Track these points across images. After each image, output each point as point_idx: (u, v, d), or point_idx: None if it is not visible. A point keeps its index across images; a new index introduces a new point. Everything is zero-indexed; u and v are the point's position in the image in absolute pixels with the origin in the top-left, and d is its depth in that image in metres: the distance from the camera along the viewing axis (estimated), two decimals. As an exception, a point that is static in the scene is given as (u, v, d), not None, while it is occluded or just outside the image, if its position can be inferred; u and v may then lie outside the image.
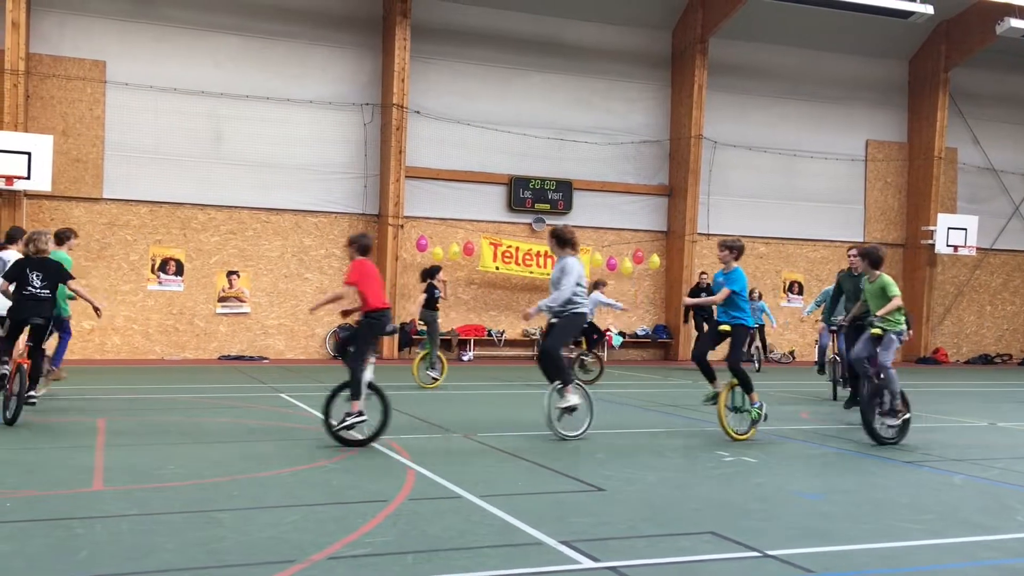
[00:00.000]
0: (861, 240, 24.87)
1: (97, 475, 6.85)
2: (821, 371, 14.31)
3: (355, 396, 8.21)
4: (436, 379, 14.21)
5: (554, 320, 9.18)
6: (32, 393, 9.47)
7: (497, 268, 21.50)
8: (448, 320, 21.73)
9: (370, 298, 8.45)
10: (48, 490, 6.32)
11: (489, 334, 21.79)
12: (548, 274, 21.82)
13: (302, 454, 7.90)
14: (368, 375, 8.26)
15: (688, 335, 22.86)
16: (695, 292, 16.37)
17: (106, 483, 6.58)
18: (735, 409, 9.15)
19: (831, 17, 22.57)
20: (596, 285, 16.06)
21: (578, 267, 9.12)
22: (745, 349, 13.52)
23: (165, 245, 19.75)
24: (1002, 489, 6.99)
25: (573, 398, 8.90)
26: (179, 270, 19.78)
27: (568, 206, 22.30)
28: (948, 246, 24.29)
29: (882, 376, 8.90)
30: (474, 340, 21.65)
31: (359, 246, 8.80)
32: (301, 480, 6.80)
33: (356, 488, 6.53)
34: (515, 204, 21.91)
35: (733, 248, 9.25)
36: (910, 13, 20.76)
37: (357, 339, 8.53)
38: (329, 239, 20.86)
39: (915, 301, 24.59)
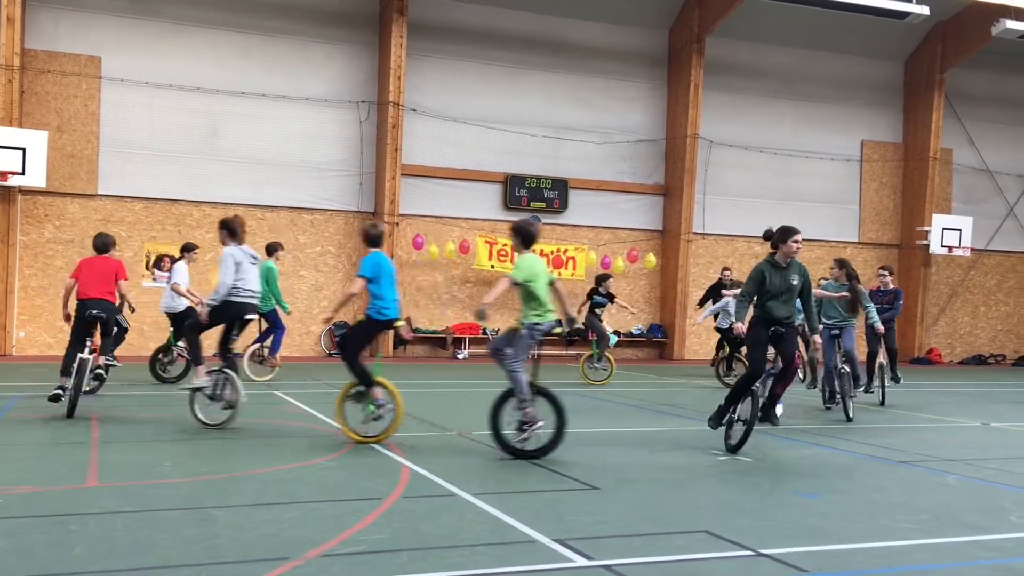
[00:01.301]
0: (856, 240, 24.94)
1: (92, 472, 6.84)
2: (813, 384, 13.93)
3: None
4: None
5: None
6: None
7: (492, 266, 21.50)
8: (443, 318, 21.75)
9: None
10: (43, 487, 6.31)
11: (484, 332, 21.78)
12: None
13: (297, 451, 7.90)
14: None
15: (682, 333, 22.89)
16: (716, 289, 16.19)
17: (101, 480, 6.57)
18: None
19: (827, 17, 22.60)
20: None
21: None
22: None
23: (160, 242, 19.70)
24: (996, 489, 7.01)
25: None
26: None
27: (564, 205, 22.31)
28: (943, 247, 24.35)
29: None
30: (469, 339, 21.64)
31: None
32: (296, 477, 6.80)
33: (351, 486, 6.53)
34: (511, 202, 21.90)
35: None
36: (906, 14, 20.81)
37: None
38: (324, 236, 20.83)
39: (909, 301, 24.63)
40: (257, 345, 14.19)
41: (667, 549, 5.01)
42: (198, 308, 9.68)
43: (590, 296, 15.52)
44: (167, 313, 13.19)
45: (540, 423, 7.62)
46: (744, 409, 8.23)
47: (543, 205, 22.14)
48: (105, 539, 4.98)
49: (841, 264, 11.90)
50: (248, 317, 9.32)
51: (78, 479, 6.58)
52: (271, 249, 14.20)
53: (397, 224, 20.68)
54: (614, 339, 22.27)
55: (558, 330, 8.06)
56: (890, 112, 25.42)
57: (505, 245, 21.65)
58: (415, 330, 21.32)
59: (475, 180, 21.81)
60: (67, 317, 10.13)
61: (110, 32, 19.36)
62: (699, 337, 23.23)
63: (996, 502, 6.50)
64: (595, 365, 15.29)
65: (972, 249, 24.90)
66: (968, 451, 8.96)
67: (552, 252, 21.94)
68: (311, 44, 20.67)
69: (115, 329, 10.89)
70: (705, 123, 22.93)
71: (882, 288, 13.82)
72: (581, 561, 4.71)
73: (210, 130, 19.97)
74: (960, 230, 24.51)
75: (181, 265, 13.09)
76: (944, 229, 24.37)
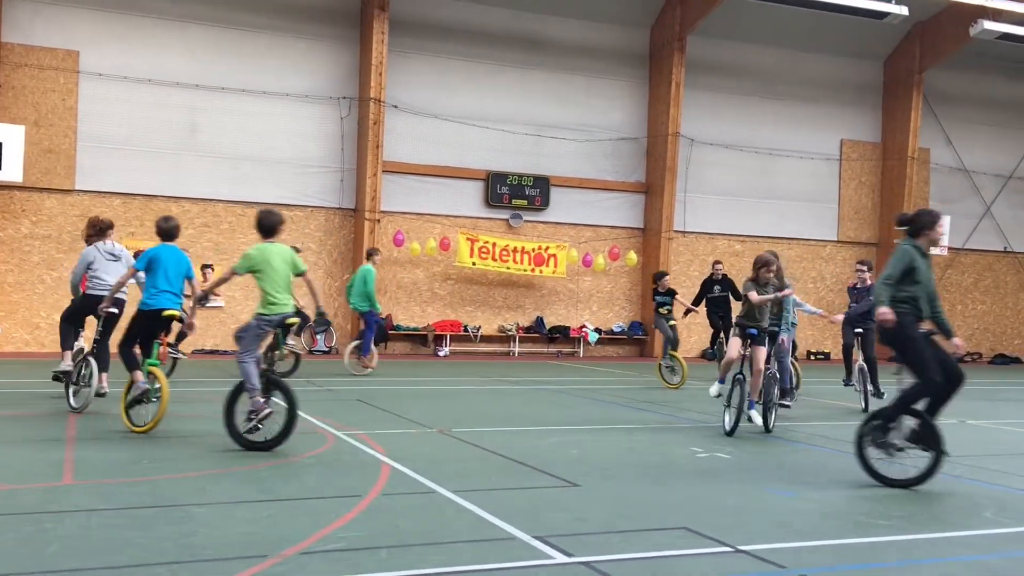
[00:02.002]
0: (835, 239, 25.10)
1: (68, 469, 6.77)
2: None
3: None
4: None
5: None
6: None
7: (474, 264, 21.49)
8: (424, 315, 21.72)
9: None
10: (17, 484, 6.24)
11: (465, 330, 21.77)
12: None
13: (276, 449, 7.85)
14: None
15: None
16: (709, 285, 15.57)
17: (76, 477, 6.51)
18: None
19: (808, 17, 22.73)
20: (656, 278, 15.30)
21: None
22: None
23: (138, 238, 19.53)
24: (971, 486, 7.08)
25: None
26: (153, 263, 19.57)
27: (545, 202, 22.33)
28: (920, 245, 24.51)
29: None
30: (450, 336, 21.62)
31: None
32: (275, 475, 6.77)
33: (330, 483, 6.51)
34: (492, 200, 21.89)
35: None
36: (885, 14, 20.94)
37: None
38: (305, 233, 20.74)
39: (888, 300, 24.78)
40: (356, 343, 15.36)
41: (646, 546, 5.02)
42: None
43: (653, 296, 15.04)
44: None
45: (267, 412, 7.58)
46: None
47: (525, 202, 22.15)
48: (80, 537, 4.93)
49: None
50: (110, 310, 9.56)
51: (53, 477, 6.52)
52: (369, 254, 15.80)
53: (378, 221, 20.62)
54: (594, 337, 22.44)
55: (292, 320, 8.01)
56: (869, 111, 25.60)
57: (487, 242, 21.65)
58: (396, 327, 21.28)
59: (457, 177, 21.78)
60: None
61: (88, 26, 19.18)
62: (680, 334, 23.25)
63: (971, 499, 6.56)
64: (671, 364, 14.54)
65: (949, 248, 25.12)
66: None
67: (534, 250, 21.96)
68: (291, 40, 20.57)
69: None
70: (686, 121, 23.01)
71: (858, 285, 13.13)
72: (560, 558, 4.72)
73: (189, 125, 19.83)
74: (937, 229, 24.69)
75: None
76: (922, 228, 24.54)
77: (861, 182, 25.56)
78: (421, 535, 5.09)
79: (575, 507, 5.90)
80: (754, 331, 9.42)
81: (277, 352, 10.63)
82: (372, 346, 15.02)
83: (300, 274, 8.23)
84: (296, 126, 20.56)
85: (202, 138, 19.91)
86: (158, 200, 19.63)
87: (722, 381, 9.79)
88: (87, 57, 19.08)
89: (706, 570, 4.64)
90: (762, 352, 9.43)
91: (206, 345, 19.71)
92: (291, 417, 7.60)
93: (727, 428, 9.25)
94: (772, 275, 9.72)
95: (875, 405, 11.51)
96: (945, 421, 11.33)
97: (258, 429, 7.63)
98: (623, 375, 17.39)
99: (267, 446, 7.60)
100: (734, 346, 9.48)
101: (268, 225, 8.03)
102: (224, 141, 20.02)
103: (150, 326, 8.68)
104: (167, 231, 9.02)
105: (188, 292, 9.17)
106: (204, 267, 20.04)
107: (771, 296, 9.72)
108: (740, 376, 9.34)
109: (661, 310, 14.82)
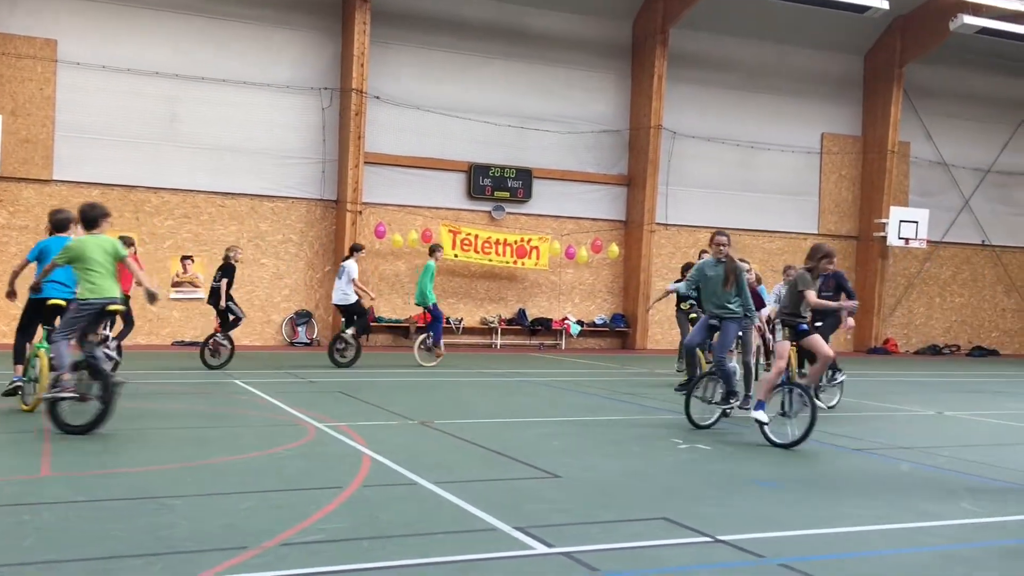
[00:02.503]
0: (815, 232, 25.24)
1: (45, 462, 6.72)
2: None
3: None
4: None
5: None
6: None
7: (456, 256, 21.45)
8: (406, 307, 21.67)
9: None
10: (-7, 476, 6.19)
11: (447, 322, 21.73)
12: (507, 263, 22.01)
13: (256, 441, 7.83)
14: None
15: (644, 323, 23.03)
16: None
17: (54, 469, 6.46)
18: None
19: (789, 11, 22.79)
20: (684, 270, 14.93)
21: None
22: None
23: (117, 228, 19.32)
24: (948, 476, 7.15)
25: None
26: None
27: (528, 194, 22.31)
28: (899, 238, 24.73)
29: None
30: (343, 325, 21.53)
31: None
32: (255, 467, 6.74)
33: (310, 475, 6.49)
34: (475, 192, 21.86)
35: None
36: (866, 8, 21.04)
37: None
38: (286, 224, 20.65)
39: (867, 292, 25.02)
40: (425, 335, 15.82)
41: (626, 536, 5.03)
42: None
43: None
44: (338, 305, 15.25)
45: (69, 394, 7.75)
46: None
47: (507, 194, 22.13)
48: (57, 529, 4.89)
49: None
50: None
51: (31, 469, 6.46)
52: (432, 250, 16.15)
53: (360, 212, 20.55)
54: (576, 329, 22.48)
55: (114, 308, 8.27)
56: (850, 105, 25.73)
57: (469, 234, 21.62)
58: (378, 319, 21.23)
59: (439, 169, 21.73)
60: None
61: (67, 15, 18.96)
62: (661, 327, 23.40)
63: (948, 489, 6.63)
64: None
65: (928, 241, 25.32)
66: (922, 439, 9.13)
67: (516, 242, 21.95)
68: (272, 29, 20.43)
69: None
70: (668, 114, 23.04)
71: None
72: (541, 548, 4.72)
73: (169, 115, 19.67)
74: (916, 222, 24.92)
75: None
76: (901, 221, 24.76)
77: (842, 175, 25.70)
78: (402, 526, 5.08)
79: (556, 498, 5.91)
80: (804, 327, 8.33)
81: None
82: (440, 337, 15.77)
83: (122, 260, 8.52)
84: (277, 117, 20.44)
85: (182, 128, 19.75)
86: (138, 191, 19.47)
87: (762, 405, 8.33)
88: (65, 46, 18.87)
89: (685, 560, 4.66)
90: (819, 340, 8.45)
91: (186, 337, 19.59)
92: (105, 404, 7.73)
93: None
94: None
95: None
96: (923, 412, 11.47)
97: (60, 402, 7.78)
98: (605, 367, 17.43)
99: (82, 429, 7.71)
100: (784, 351, 8.28)
101: (90, 218, 8.57)
102: (204, 131, 19.87)
103: (39, 314, 9.14)
104: (56, 223, 9.47)
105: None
106: (184, 258, 19.98)
107: (834, 305, 9.11)
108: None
109: (683, 305, 12.73)
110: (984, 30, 22.01)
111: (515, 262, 22.02)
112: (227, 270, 14.45)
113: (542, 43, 22.48)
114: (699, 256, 14.39)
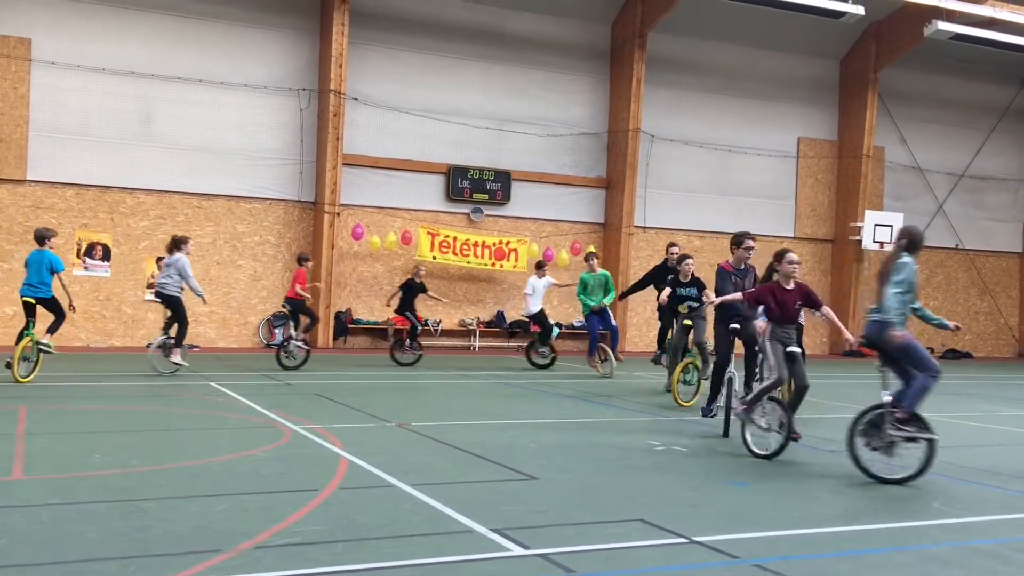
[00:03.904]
0: (792, 235, 25.42)
1: (17, 463, 6.65)
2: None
3: None
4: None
5: None
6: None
7: (434, 258, 21.41)
8: (385, 310, 21.61)
9: None
10: (-36, 479, 6.11)
11: (426, 324, 21.69)
12: (486, 265, 22.00)
13: (232, 443, 7.79)
14: None
15: (622, 325, 23.08)
16: (661, 273, 13.39)
17: (27, 472, 6.39)
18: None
19: (766, 15, 22.95)
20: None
21: None
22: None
23: (92, 229, 19.23)
24: (921, 477, 7.21)
25: None
26: (106, 255, 19.28)
27: (507, 197, 22.33)
28: (875, 242, 24.95)
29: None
30: (394, 329, 21.50)
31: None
32: (230, 469, 6.70)
33: (287, 477, 6.46)
34: (453, 194, 21.84)
35: None
36: (842, 13, 21.21)
37: None
38: (263, 226, 20.54)
39: (843, 295, 25.26)
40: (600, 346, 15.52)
41: (602, 537, 5.05)
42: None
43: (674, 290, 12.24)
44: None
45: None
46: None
47: (486, 197, 22.13)
48: (30, 532, 4.85)
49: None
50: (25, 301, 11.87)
51: (3, 471, 6.39)
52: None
53: (338, 214, 20.48)
54: (555, 331, 22.49)
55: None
56: (826, 110, 25.94)
57: (448, 236, 21.60)
58: (355, 321, 21.18)
59: (418, 171, 21.69)
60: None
61: (41, 13, 18.77)
62: (639, 329, 23.48)
63: (921, 489, 6.70)
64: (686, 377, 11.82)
65: (903, 245, 25.51)
66: (895, 440, 9.19)
67: (495, 244, 21.95)
68: (249, 29, 20.32)
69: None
70: (647, 117, 23.13)
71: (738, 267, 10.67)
72: (517, 550, 4.73)
73: (145, 115, 19.51)
74: (891, 226, 25.13)
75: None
76: (876, 225, 24.98)
77: (818, 179, 25.90)
78: (378, 529, 5.07)
79: (533, 500, 5.92)
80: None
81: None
82: (596, 346, 15.48)
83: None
84: (254, 117, 20.33)
85: (158, 129, 19.60)
86: (112, 191, 19.30)
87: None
88: (40, 45, 18.68)
89: (661, 561, 4.69)
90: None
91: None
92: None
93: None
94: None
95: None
96: (897, 414, 11.56)
97: None
98: (583, 370, 17.46)
99: None
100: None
101: (38, 237, 12.01)
102: (180, 132, 19.73)
103: (25, 309, 11.93)
104: (36, 237, 12.13)
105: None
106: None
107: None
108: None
109: (680, 308, 11.43)
110: (958, 36, 22.24)
111: (494, 264, 22.02)
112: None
113: (521, 45, 22.51)
114: (667, 250, 14.08)
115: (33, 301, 11.73)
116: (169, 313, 13.42)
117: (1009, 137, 28.07)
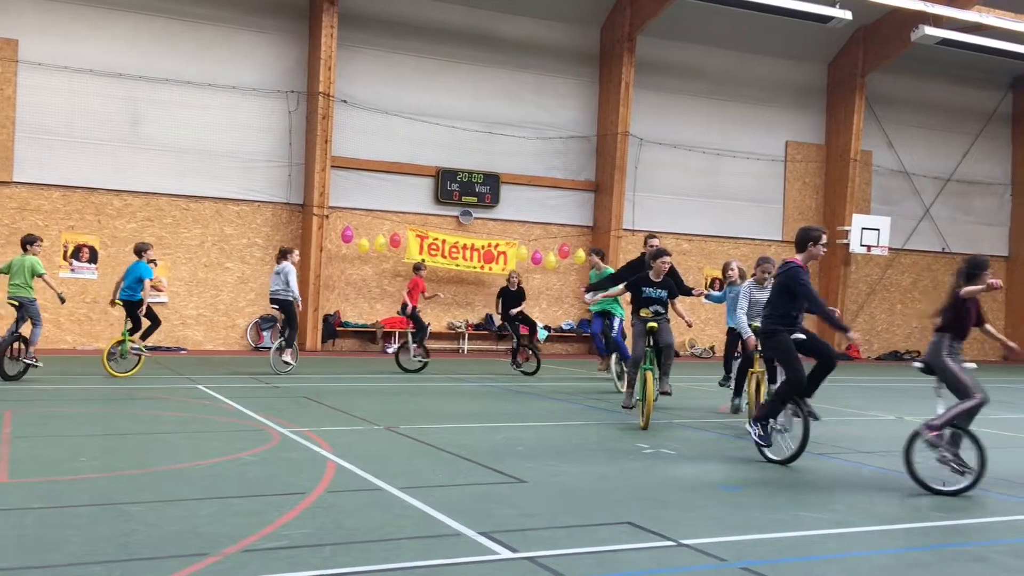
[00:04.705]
0: (780, 239, 25.50)
1: (2, 467, 6.60)
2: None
3: None
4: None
5: None
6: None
7: (423, 260, 21.34)
8: (373, 312, 21.60)
9: None
10: (-52, 483, 6.07)
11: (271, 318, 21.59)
12: (475, 267, 22.00)
13: (219, 447, 7.75)
14: None
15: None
16: (636, 267, 12.06)
17: (12, 476, 6.35)
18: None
19: (755, 20, 23.04)
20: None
21: None
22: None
23: (78, 231, 19.13)
24: (907, 481, 7.24)
25: None
26: (93, 257, 19.19)
27: (496, 199, 22.33)
28: (862, 245, 25.07)
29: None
30: (399, 333, 21.50)
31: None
32: (217, 473, 6.67)
33: (274, 481, 6.44)
34: (442, 196, 21.83)
35: None
36: (829, 18, 21.31)
37: None
38: (252, 228, 20.48)
39: (830, 298, 25.33)
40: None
41: (590, 540, 5.05)
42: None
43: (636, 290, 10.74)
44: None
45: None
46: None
47: (475, 200, 22.13)
48: (14, 536, 4.81)
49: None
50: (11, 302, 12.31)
51: (-13, 475, 6.35)
52: (598, 253, 14.99)
53: (327, 216, 20.44)
54: (543, 334, 22.51)
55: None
56: (813, 114, 26.06)
57: (437, 239, 21.59)
58: (344, 324, 21.13)
59: (407, 173, 21.67)
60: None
61: (29, 14, 18.68)
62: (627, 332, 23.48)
63: (907, 493, 6.72)
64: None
65: (889, 248, 25.69)
66: (882, 444, 9.25)
67: (483, 247, 21.95)
68: (237, 31, 20.27)
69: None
70: (636, 121, 23.18)
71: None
72: (506, 553, 4.73)
73: (132, 117, 19.44)
74: (878, 230, 25.28)
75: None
76: (863, 228, 25.10)
77: (805, 183, 26.01)
78: (366, 532, 5.05)
79: (521, 503, 5.91)
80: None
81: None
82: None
83: (39, 275, 12.32)
84: (243, 119, 20.27)
85: (145, 131, 19.52)
86: (100, 193, 19.22)
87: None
88: (27, 46, 18.59)
89: (649, 564, 4.69)
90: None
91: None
92: None
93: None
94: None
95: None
96: (884, 417, 11.63)
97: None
98: (571, 372, 17.47)
99: None
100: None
101: (23, 243, 12.62)
102: (168, 134, 19.66)
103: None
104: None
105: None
106: (148, 261, 19.68)
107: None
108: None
109: (644, 311, 9.86)
110: (944, 41, 22.37)
111: (482, 267, 22.02)
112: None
113: (510, 48, 22.53)
114: (646, 243, 12.38)
115: (17, 304, 12.30)
116: (283, 316, 14.94)
117: (995, 142, 28.27)
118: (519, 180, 22.64)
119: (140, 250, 13.35)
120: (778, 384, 8.31)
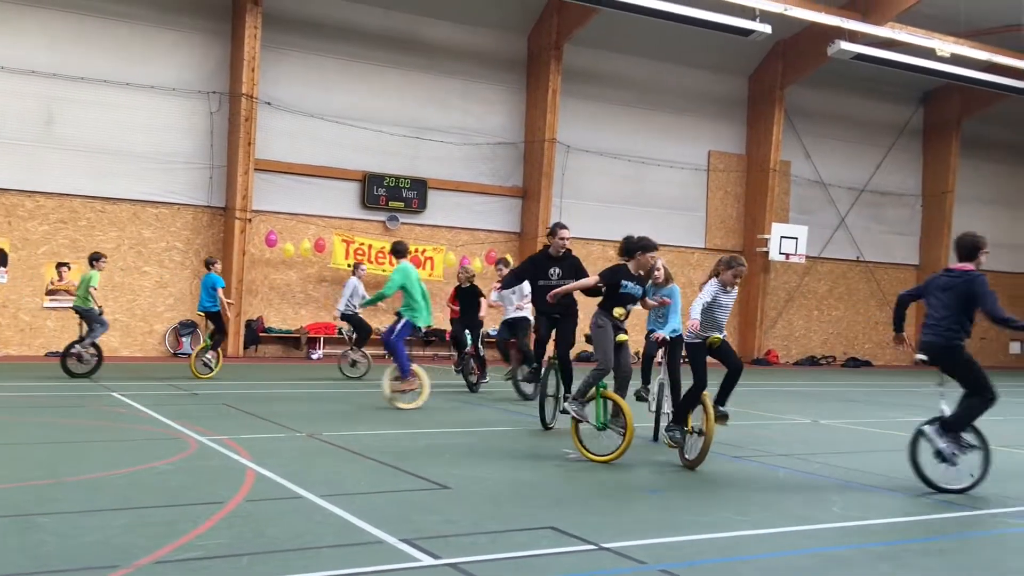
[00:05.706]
0: (703, 246, 25.98)
1: (-101, 480, 6.31)
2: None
3: None
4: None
5: None
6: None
7: (349, 265, 21.14)
8: (297, 318, 21.29)
9: None
10: None
11: (339, 332, 21.41)
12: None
13: (134, 455, 7.54)
14: None
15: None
16: (541, 259, 10.81)
17: (-91, 488, 6.07)
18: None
19: (678, 32, 23.43)
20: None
21: None
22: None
23: (-13, 233, 18.41)
24: (821, 482, 7.45)
25: None
26: (2, 261, 18.49)
27: (423, 205, 22.25)
28: (780, 253, 25.72)
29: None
30: (324, 338, 21.25)
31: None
32: (132, 482, 6.48)
33: (191, 490, 6.28)
34: (369, 201, 21.66)
35: None
36: (749, 32, 21.78)
37: None
38: (171, 231, 20.00)
39: (750, 305, 25.94)
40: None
41: (513, 546, 5.06)
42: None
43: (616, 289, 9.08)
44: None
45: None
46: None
47: (402, 205, 22.01)
48: (-89, 552, 4.60)
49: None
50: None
51: None
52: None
53: (250, 220, 20.08)
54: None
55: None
56: (735, 125, 26.65)
57: (363, 244, 21.40)
58: (267, 329, 20.79)
59: (332, 177, 21.44)
60: None
61: (-67, 6, 17.95)
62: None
63: (822, 494, 6.91)
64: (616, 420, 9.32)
65: (807, 256, 26.41)
66: (798, 446, 9.50)
67: (410, 252, 21.79)
68: (157, 30, 19.79)
69: None
70: (563, 128, 23.37)
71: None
72: (427, 560, 4.70)
73: (46, 116, 18.81)
74: (796, 238, 25.97)
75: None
76: (782, 237, 25.76)
77: (727, 192, 26.57)
78: (285, 541, 4.97)
79: (444, 509, 5.89)
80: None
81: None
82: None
83: (92, 288, 13.35)
84: (162, 120, 19.79)
85: (60, 130, 18.91)
86: (10, 194, 18.53)
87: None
88: (-69, 39, 17.85)
89: (570, 568, 4.72)
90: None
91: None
92: None
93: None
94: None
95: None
96: (800, 421, 11.93)
97: None
98: (496, 378, 17.47)
99: None
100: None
101: (90, 259, 13.59)
102: (83, 133, 19.07)
103: None
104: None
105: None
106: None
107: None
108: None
109: (617, 311, 8.28)
110: (859, 56, 23.08)
111: (409, 272, 21.86)
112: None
113: (437, 54, 22.49)
114: (555, 233, 10.93)
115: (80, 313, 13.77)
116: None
117: (907, 154, 29.32)
118: (446, 185, 22.61)
119: (209, 263, 15.34)
120: None
